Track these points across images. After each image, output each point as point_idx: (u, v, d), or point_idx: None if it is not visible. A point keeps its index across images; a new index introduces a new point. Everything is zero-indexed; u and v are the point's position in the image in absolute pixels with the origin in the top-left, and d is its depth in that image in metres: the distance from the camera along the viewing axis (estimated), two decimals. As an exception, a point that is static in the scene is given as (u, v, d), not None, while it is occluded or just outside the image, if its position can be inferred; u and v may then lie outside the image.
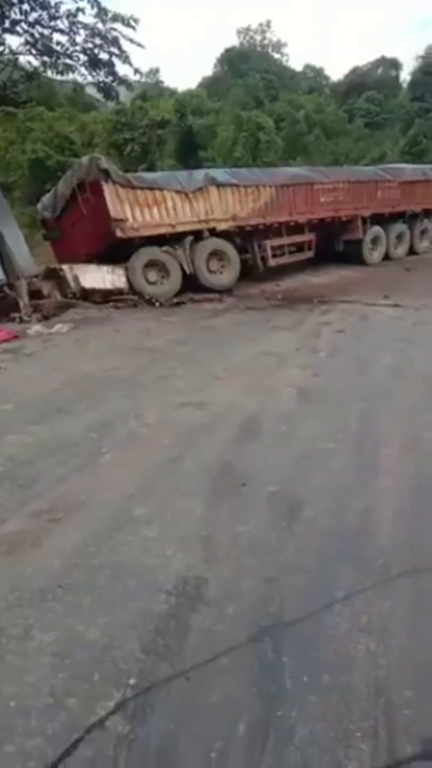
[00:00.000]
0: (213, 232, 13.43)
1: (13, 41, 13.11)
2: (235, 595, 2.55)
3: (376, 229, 16.35)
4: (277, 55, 46.28)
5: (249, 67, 37.95)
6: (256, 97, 33.82)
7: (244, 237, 14.19)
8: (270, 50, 46.17)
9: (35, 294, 12.00)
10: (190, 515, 3.27)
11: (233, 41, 45.38)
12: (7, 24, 13.16)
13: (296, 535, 3.04)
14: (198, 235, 13.25)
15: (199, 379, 6.25)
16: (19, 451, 4.35)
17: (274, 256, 14.58)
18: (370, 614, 2.42)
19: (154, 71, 38.41)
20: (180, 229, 13.03)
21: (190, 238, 13.11)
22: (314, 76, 46.53)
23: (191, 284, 13.14)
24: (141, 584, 2.62)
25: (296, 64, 48.06)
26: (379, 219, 16.29)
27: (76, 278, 12.33)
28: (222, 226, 13.53)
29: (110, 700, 1.96)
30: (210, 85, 39.04)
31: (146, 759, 1.75)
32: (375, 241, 16.50)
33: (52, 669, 2.10)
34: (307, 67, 47.32)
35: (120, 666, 2.11)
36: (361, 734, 1.87)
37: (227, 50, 42.07)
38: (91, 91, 17.92)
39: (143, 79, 18.18)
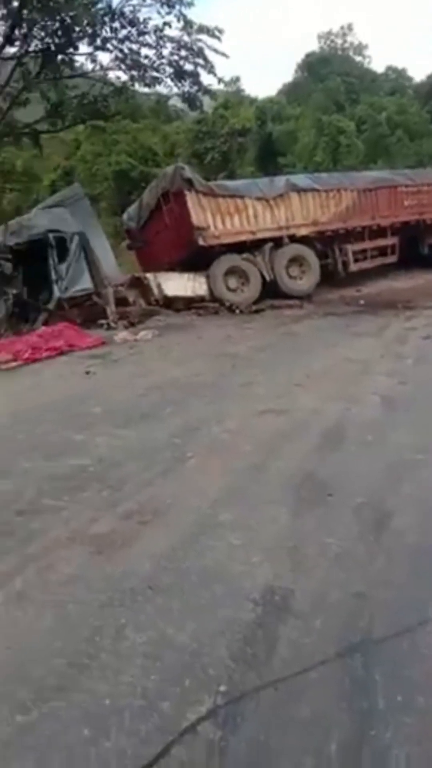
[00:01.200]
0: (293, 238, 13.38)
1: (104, 58, 13.63)
2: (323, 608, 2.50)
3: (464, 232, 15.71)
4: (358, 58, 45.36)
5: (330, 71, 37.47)
6: (336, 101, 33.36)
7: (324, 242, 14.06)
8: (351, 53, 45.38)
9: (121, 301, 12.41)
10: (275, 524, 3.26)
11: (314, 46, 44.83)
12: (98, 42, 13.72)
13: (386, 549, 2.95)
14: (278, 242, 13.24)
15: (281, 385, 6.23)
16: (107, 453, 4.50)
17: (355, 260, 14.34)
18: (467, 635, 2.31)
19: (235, 80, 38.64)
20: (260, 236, 13.08)
21: (270, 244, 13.13)
22: (396, 77, 45.24)
23: (271, 291, 13.14)
24: (228, 591, 2.63)
25: (378, 66, 46.65)
26: (467, 221, 15.65)
27: (159, 286, 12.64)
28: (302, 232, 13.47)
29: (201, 705, 1.97)
30: (290, 91, 38.88)
31: (238, 767, 1.75)
32: (462, 244, 15.86)
33: (145, 670, 2.15)
34: (390, 68, 46.05)
35: (209, 672, 2.13)
36: (461, 762, 1.79)
37: (308, 55, 41.70)
38: (175, 101, 18.33)
39: (225, 88, 18.42)
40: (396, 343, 8.01)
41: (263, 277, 13.03)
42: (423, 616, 2.44)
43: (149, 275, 13.00)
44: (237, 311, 12.34)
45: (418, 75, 48.00)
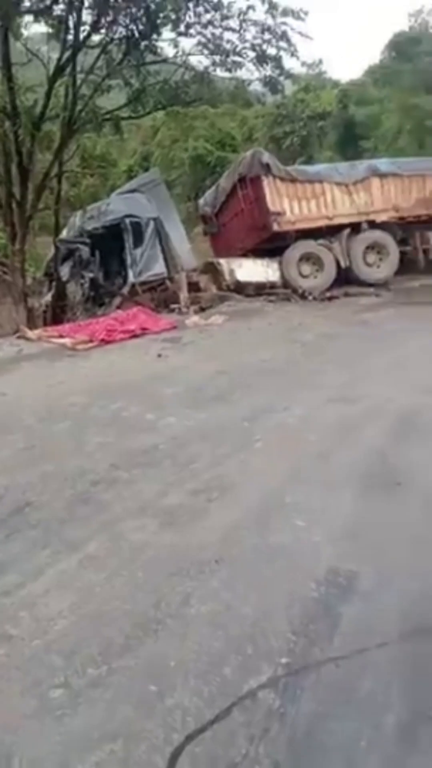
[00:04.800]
0: (372, 224, 13.07)
1: (187, 43, 13.62)
2: (387, 592, 2.50)
3: None
4: (450, 36, 43.30)
5: (420, 52, 35.98)
6: (426, 83, 32.01)
7: (405, 229, 13.63)
8: (443, 31, 43.31)
9: (193, 286, 12.55)
10: (340, 509, 3.26)
11: (403, 26, 43.07)
12: (181, 27, 13.80)
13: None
14: (356, 228, 12.97)
15: (352, 374, 6.16)
16: (178, 433, 4.62)
17: (437, 248, 13.84)
18: None
19: (318, 62, 37.79)
20: (338, 221, 12.86)
21: (347, 230, 12.88)
22: None
23: (346, 278, 12.92)
24: (292, 569, 2.67)
25: (472, 44, 44.29)
26: None
27: (231, 272, 12.68)
28: (382, 218, 13.14)
29: (262, 674, 2.03)
30: (376, 73, 37.62)
31: (296, 734, 1.80)
32: None
33: (209, 637, 2.23)
34: None
35: (272, 644, 2.18)
36: None
37: (396, 35, 40.17)
38: (255, 86, 18.15)
39: (307, 71, 18.10)
40: None
41: (338, 264, 12.82)
42: None
43: (222, 260, 13.06)
44: (310, 298, 12.21)
45: None
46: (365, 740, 1.78)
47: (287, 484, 3.60)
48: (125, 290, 13.09)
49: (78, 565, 2.82)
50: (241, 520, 3.15)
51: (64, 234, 15.05)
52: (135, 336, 9.38)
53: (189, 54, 14.70)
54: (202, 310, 11.52)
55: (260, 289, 12.63)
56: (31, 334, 10.14)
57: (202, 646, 2.20)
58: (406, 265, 13.65)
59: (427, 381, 5.60)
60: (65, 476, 3.88)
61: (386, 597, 2.45)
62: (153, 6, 13.37)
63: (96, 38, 14.43)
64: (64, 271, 14.17)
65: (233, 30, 13.75)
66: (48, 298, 14.30)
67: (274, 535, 2.98)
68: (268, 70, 14.14)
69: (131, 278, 13.11)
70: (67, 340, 9.24)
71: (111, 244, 13.36)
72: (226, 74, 14.84)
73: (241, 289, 12.61)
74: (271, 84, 14.75)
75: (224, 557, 2.77)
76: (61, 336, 9.66)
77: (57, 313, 13.49)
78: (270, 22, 13.52)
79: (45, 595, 2.57)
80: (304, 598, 2.46)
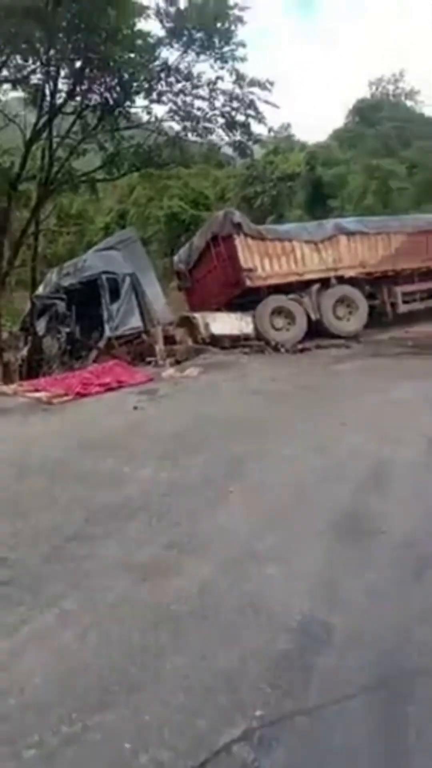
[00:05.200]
0: (341, 279, 13.54)
1: (159, 110, 14.39)
2: (360, 641, 2.54)
3: None
4: (410, 103, 46.06)
5: (381, 117, 38.11)
6: (387, 146, 33.78)
7: (372, 283, 14.14)
8: (403, 98, 46.10)
9: (169, 340, 12.74)
10: (313, 560, 3.30)
11: (365, 93, 45.80)
12: (154, 95, 14.55)
13: (427, 586, 2.96)
14: (325, 283, 13.41)
15: (324, 424, 6.27)
16: (153, 485, 4.65)
17: (404, 302, 14.36)
18: None
19: (286, 126, 39.85)
20: (307, 277, 13.29)
21: (317, 285, 13.30)
22: (450, 121, 45.47)
23: (318, 331, 13.26)
24: (266, 620, 2.70)
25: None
26: None
27: (206, 325, 12.92)
28: (350, 273, 13.62)
29: (236, 727, 2.04)
30: (341, 136, 39.62)
31: (270, 788, 1.81)
32: None
33: (184, 690, 2.23)
34: (443, 112, 46.38)
35: (246, 696, 2.20)
36: None
37: (359, 101, 42.60)
38: (226, 149, 19.01)
39: (275, 135, 19.10)
40: (443, 384, 7.95)
41: (309, 317, 13.18)
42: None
43: (197, 314, 13.33)
44: (282, 350, 12.47)
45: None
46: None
47: (261, 535, 3.64)
48: (102, 344, 13.24)
49: (53, 621, 2.81)
50: (215, 572, 3.17)
51: (40, 290, 15.28)
52: (111, 389, 9.44)
53: (162, 120, 15.47)
54: (178, 362, 11.67)
55: (235, 342, 12.87)
56: (6, 388, 10.14)
57: (177, 699, 2.20)
58: (376, 319, 14.09)
59: (396, 431, 5.74)
60: (39, 532, 3.86)
61: (359, 647, 2.49)
62: (126, 76, 14.11)
63: (72, 104, 15.10)
64: (41, 325, 14.32)
65: (203, 98, 14.60)
66: (24, 352, 14.38)
67: (248, 587, 3.00)
68: (237, 136, 14.90)
69: (108, 332, 13.30)
70: (42, 394, 9.25)
71: (88, 299, 13.60)
72: (197, 139, 15.57)
73: (216, 341, 12.83)
74: (240, 148, 15.50)
75: (198, 610, 2.78)
76: (36, 390, 9.67)
77: (33, 367, 13.56)
78: (238, 91, 14.36)
79: (20, 652, 2.55)
80: (278, 649, 2.48)
